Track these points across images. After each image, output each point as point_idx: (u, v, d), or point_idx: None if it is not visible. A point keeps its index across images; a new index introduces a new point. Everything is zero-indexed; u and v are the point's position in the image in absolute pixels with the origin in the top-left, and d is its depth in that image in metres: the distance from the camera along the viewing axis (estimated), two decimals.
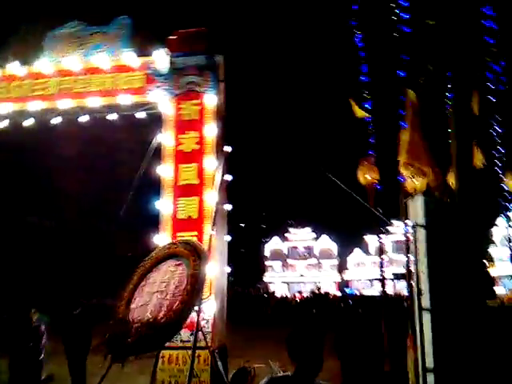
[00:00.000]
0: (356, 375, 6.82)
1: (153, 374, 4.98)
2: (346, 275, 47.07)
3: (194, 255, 5.27)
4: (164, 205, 6.48)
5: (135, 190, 7.15)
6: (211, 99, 6.71)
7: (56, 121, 7.45)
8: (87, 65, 7.16)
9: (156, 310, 5.06)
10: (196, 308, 4.94)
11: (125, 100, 6.95)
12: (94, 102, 7.02)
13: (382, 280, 7.95)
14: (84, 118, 7.40)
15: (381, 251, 5.96)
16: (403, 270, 5.72)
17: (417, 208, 4.21)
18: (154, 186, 6.70)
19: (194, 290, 4.91)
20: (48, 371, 8.55)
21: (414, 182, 4.07)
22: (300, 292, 37.15)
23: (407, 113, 4.28)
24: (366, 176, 6.45)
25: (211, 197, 6.36)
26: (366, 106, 7.00)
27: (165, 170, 6.59)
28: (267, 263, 47.20)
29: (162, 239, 6.31)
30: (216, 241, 6.26)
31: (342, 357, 7.03)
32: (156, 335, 4.67)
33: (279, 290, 42.71)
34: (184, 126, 6.71)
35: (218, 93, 6.85)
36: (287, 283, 46.86)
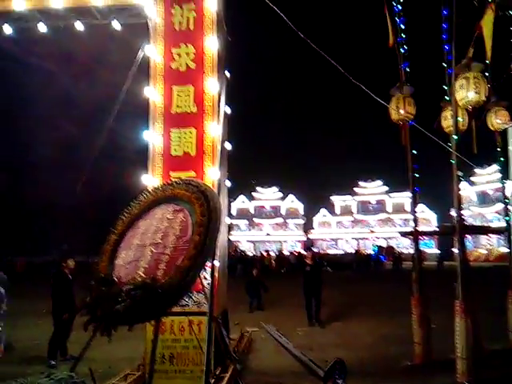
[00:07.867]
0: None
1: (153, 350, 3.82)
2: (312, 234, 47.24)
3: (201, 198, 4.06)
4: (153, 137, 5.09)
5: (115, 117, 5.65)
6: (211, 4, 5.25)
7: (8, 29, 5.76)
8: None
9: (152, 268, 3.89)
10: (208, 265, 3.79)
11: (97, 1, 5.36)
12: (57, 3, 5.38)
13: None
14: (43, 27, 5.75)
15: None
16: None
17: None
18: (140, 113, 5.27)
19: (203, 242, 3.74)
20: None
21: None
22: (267, 251, 36.70)
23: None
24: (400, 110, 5.31)
25: (213, 129, 5.05)
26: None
27: (153, 93, 5.15)
28: (233, 222, 46.45)
29: (151, 179, 4.99)
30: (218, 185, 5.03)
31: None
32: (156, 299, 3.49)
33: (245, 248, 42.38)
34: (177, 37, 5.25)
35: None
36: (253, 242, 46.53)
